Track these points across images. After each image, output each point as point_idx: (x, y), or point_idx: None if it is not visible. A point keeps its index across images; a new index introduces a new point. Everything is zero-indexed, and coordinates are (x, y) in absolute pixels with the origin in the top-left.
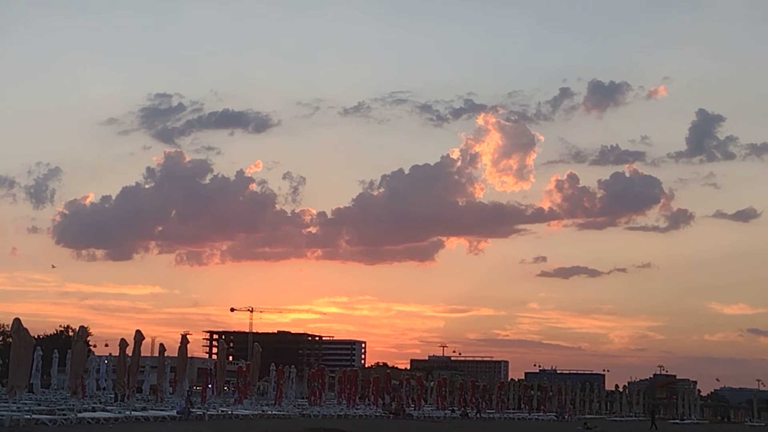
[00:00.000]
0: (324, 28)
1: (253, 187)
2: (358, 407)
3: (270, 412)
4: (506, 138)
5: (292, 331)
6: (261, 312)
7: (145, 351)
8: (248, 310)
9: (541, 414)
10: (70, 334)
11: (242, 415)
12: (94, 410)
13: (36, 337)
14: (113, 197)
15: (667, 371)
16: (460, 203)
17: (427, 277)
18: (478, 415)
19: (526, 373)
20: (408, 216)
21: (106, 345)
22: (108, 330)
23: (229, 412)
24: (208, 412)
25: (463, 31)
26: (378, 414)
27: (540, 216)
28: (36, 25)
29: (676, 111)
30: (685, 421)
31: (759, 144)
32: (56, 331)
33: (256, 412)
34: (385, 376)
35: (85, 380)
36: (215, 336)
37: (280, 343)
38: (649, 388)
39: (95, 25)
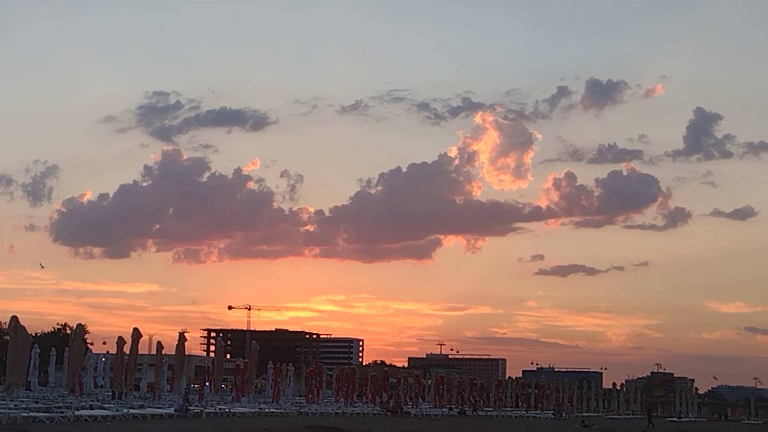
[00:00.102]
0: (322, 27)
1: (251, 185)
2: (356, 405)
3: (267, 410)
4: (504, 136)
5: (290, 329)
6: (259, 310)
7: (142, 349)
8: (246, 308)
9: (539, 412)
10: (68, 331)
11: (240, 412)
12: (91, 408)
13: (33, 334)
14: (111, 195)
15: (664, 369)
16: (457, 201)
17: (425, 276)
18: (474, 413)
19: (523, 371)
20: (406, 214)
21: (104, 343)
22: (105, 328)
23: (227, 410)
24: (206, 410)
25: (460, 29)
26: (375, 412)
27: (537, 214)
28: (34, 24)
29: (673, 109)
30: (682, 419)
31: (756, 142)
32: (54, 328)
33: (253, 410)
34: (383, 374)
35: (83, 378)
36: (213, 334)
37: (277, 341)
38: (647, 386)
39: (93, 23)
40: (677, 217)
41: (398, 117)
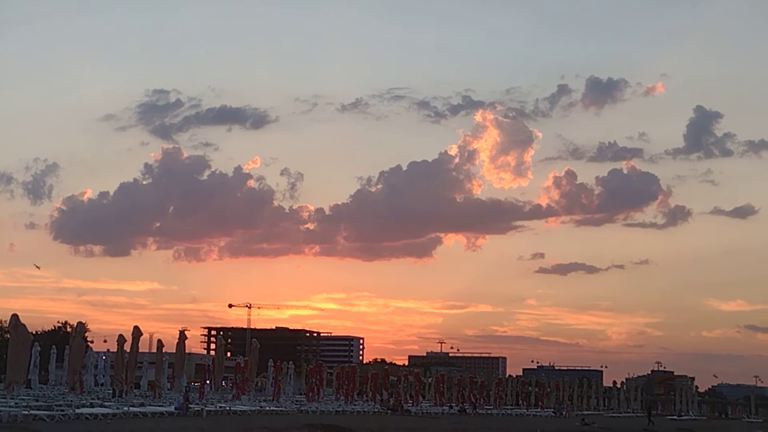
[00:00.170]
0: (322, 25)
1: (251, 183)
2: (356, 403)
3: (268, 408)
4: (504, 134)
5: (290, 327)
6: (259, 308)
7: (143, 347)
8: (246, 306)
9: (539, 410)
10: (68, 330)
11: (240, 411)
12: (92, 406)
13: (34, 332)
14: (111, 193)
15: (664, 367)
16: (458, 200)
17: (425, 274)
18: (475, 411)
19: (524, 370)
20: (406, 212)
21: (105, 341)
22: (106, 326)
23: (227, 408)
24: (206, 408)
25: (461, 28)
26: (376, 410)
27: (538, 212)
28: (34, 23)
29: (673, 108)
30: (682, 418)
31: (757, 141)
32: (54, 327)
33: (254, 408)
34: (383, 372)
35: (83, 376)
36: (213, 332)
37: (278, 339)
38: (647, 385)
39: (93, 22)
40: (677, 216)
41: (398, 115)
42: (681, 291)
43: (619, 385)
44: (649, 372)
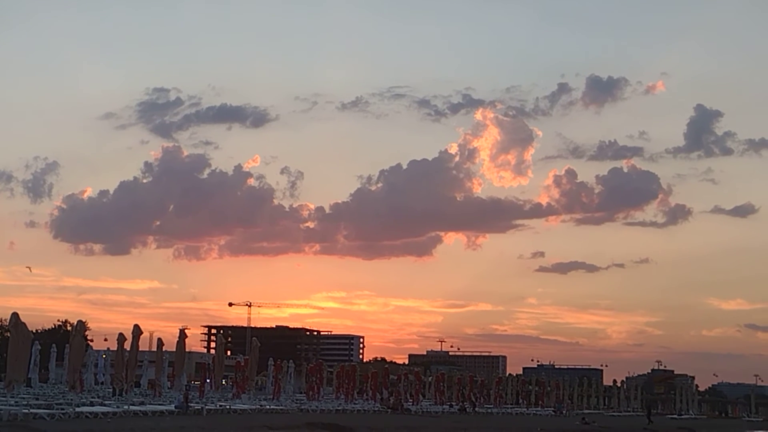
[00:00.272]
0: (322, 23)
1: (251, 181)
2: (356, 402)
3: (268, 407)
4: (504, 133)
5: (291, 326)
6: (259, 307)
7: (143, 346)
8: (246, 304)
9: (539, 409)
10: (68, 328)
11: (240, 409)
12: (92, 405)
13: (34, 331)
14: (111, 192)
15: (664, 366)
16: (458, 198)
17: (425, 272)
18: (475, 410)
19: (524, 368)
20: (406, 211)
21: (105, 339)
22: (106, 324)
23: (227, 407)
24: (206, 407)
25: (461, 26)
26: (376, 409)
27: (538, 211)
28: (33, 20)
29: (674, 106)
30: (682, 417)
31: (757, 139)
32: (54, 325)
33: (254, 407)
34: (383, 371)
35: (83, 375)
36: (213, 331)
37: (278, 337)
38: (647, 384)
39: (93, 19)
40: (678, 214)
41: (398, 114)
42: (681, 290)
43: (619, 384)
44: (650, 371)
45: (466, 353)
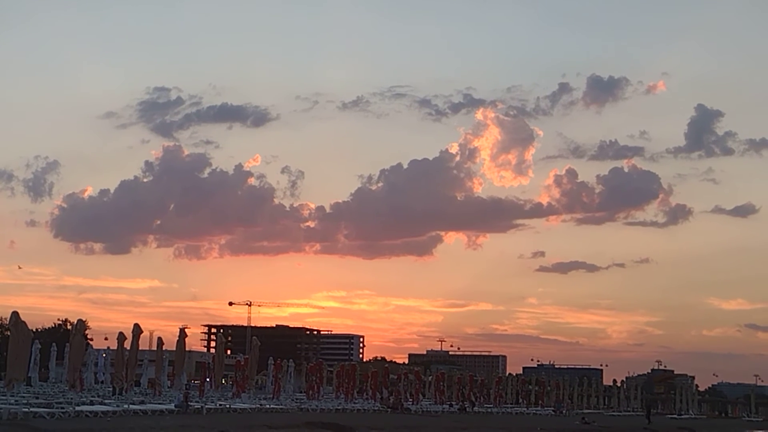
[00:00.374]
0: (323, 22)
1: (252, 181)
2: (356, 401)
3: (268, 406)
4: (505, 133)
5: (291, 326)
6: (259, 306)
7: (143, 345)
8: (246, 304)
9: (539, 409)
10: (69, 327)
11: (240, 408)
12: (92, 404)
13: (34, 330)
14: (111, 191)
15: (665, 366)
16: (458, 198)
17: (426, 272)
18: (474, 410)
19: (524, 368)
20: (406, 210)
21: (105, 338)
22: (106, 324)
23: (227, 406)
24: (206, 406)
25: (462, 25)
26: (376, 408)
27: (538, 211)
28: (34, 19)
29: (675, 106)
30: (682, 416)
31: (758, 139)
32: (54, 324)
33: (254, 406)
34: (383, 371)
35: (83, 374)
36: (213, 330)
37: (278, 337)
38: (647, 383)
39: (94, 19)
40: (678, 214)
41: (399, 113)
42: (681, 290)
43: (619, 384)
44: (650, 371)
45: (466, 353)
